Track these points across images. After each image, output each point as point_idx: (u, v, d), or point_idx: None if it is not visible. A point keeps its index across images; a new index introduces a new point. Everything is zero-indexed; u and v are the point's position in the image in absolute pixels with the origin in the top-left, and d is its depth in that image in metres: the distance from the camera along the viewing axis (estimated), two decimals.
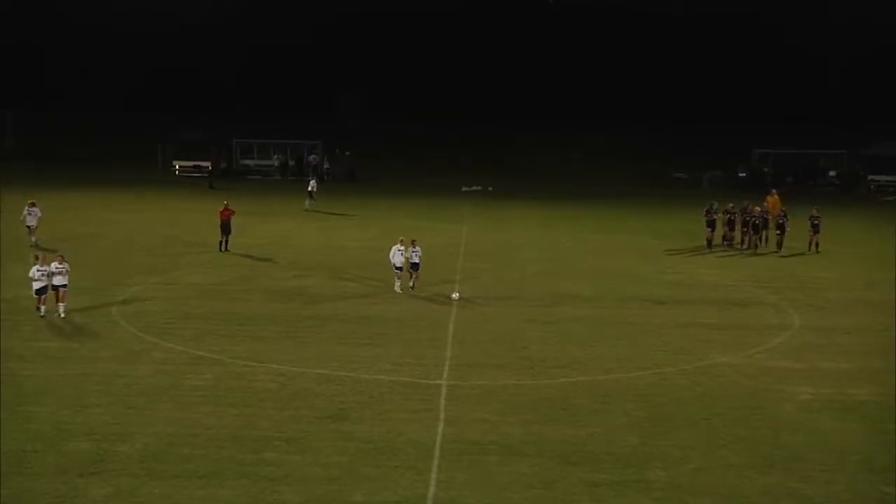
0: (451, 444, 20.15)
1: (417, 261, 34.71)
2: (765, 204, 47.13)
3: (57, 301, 29.78)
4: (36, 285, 29.63)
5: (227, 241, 42.32)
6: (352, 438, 20.38)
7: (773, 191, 50.13)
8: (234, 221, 42.67)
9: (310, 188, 58.88)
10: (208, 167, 74.94)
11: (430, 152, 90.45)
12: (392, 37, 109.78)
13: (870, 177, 74.53)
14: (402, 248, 34.56)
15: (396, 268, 34.53)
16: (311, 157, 77.84)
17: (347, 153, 78.19)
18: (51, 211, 51.05)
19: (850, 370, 26.23)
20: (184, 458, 19.17)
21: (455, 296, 33.27)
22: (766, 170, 76.83)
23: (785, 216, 44.94)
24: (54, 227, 46.05)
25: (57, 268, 29.87)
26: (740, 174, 77.60)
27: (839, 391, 24.41)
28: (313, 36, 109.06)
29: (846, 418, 22.36)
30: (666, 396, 23.63)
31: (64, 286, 29.91)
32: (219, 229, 42.48)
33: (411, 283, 34.67)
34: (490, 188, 71.57)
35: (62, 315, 29.54)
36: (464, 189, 70.90)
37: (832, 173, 77.65)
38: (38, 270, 29.62)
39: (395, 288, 34.41)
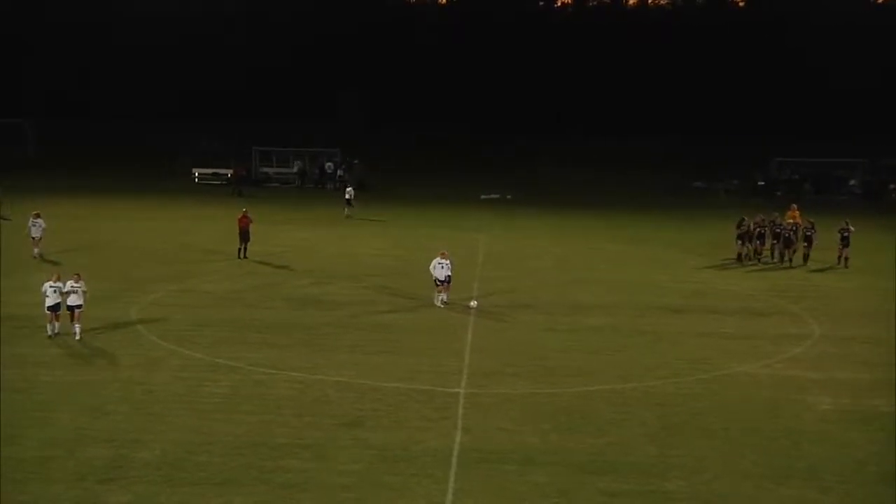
0: (469, 453, 20.15)
1: (449, 273, 33.94)
2: (793, 214, 45.95)
3: (72, 322, 28.11)
4: (47, 301, 28.00)
5: (245, 249, 42.50)
6: (369, 446, 20.42)
7: (794, 205, 48.37)
8: (252, 229, 42.85)
9: (347, 196, 59.11)
10: (227, 175, 75.56)
11: (449, 160, 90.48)
12: (403, 43, 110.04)
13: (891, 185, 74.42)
14: (444, 261, 33.62)
15: (440, 281, 33.65)
16: (327, 166, 78.33)
17: (356, 161, 78.47)
18: (69, 220, 51.59)
19: (868, 381, 26.09)
20: (201, 466, 19.25)
21: (473, 304, 33.23)
22: (796, 177, 76.51)
23: (813, 228, 43.70)
24: (72, 236, 46.45)
25: (73, 287, 28.10)
26: (759, 183, 77.43)
27: (858, 402, 24.28)
28: (318, 40, 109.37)
29: (864, 429, 22.24)
30: (684, 406, 23.58)
31: (79, 306, 28.10)
32: (237, 237, 42.67)
33: (446, 297, 33.88)
34: (509, 196, 71.58)
35: (77, 337, 27.89)
36: (482, 197, 70.95)
37: (852, 182, 77.30)
38: (50, 286, 27.98)
39: (437, 302, 33.66)
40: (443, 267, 33.59)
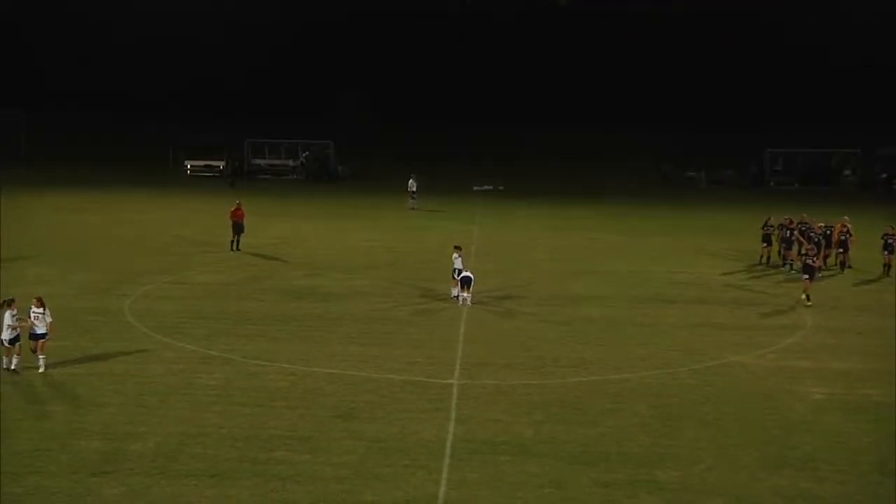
0: (462, 444, 20.13)
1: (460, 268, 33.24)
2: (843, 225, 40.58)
3: (34, 353, 24.40)
4: (8, 334, 24.06)
5: (238, 241, 42.44)
6: (362, 438, 20.38)
7: (845, 217, 41.26)
8: (245, 221, 42.80)
9: (410, 188, 58.96)
10: (219, 167, 75.66)
11: (440, 153, 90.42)
12: (397, 37, 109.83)
13: (883, 175, 74.63)
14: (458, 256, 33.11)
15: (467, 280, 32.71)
16: (304, 155, 78.89)
17: (307, 153, 78.84)
18: (61, 212, 51.44)
19: (862, 371, 26.11)
20: (195, 458, 19.20)
21: (466, 295, 33.13)
22: (885, 175, 75.79)
23: (849, 232, 39.94)
24: (64, 228, 46.36)
25: (34, 313, 24.31)
26: (752, 173, 77.69)
27: (852, 391, 24.30)
28: (316, 37, 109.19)
29: (859, 419, 22.26)
30: (677, 396, 23.58)
31: (44, 335, 24.38)
32: (230, 229, 42.61)
33: (466, 295, 32.76)
34: (501, 187, 71.64)
35: (41, 370, 24.24)
36: (475, 188, 70.97)
37: (847, 172, 77.43)
38: (11, 316, 24.08)
39: (459, 301, 32.72)
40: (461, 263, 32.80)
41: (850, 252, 40.21)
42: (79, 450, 19.46)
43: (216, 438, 20.19)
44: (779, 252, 41.10)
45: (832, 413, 22.66)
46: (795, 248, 39.99)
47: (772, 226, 41.46)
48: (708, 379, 25.06)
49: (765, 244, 41.35)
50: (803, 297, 33.93)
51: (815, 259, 34.95)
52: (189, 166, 77.59)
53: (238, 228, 42.51)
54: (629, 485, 18.36)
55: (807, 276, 34.20)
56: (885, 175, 74.63)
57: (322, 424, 21.15)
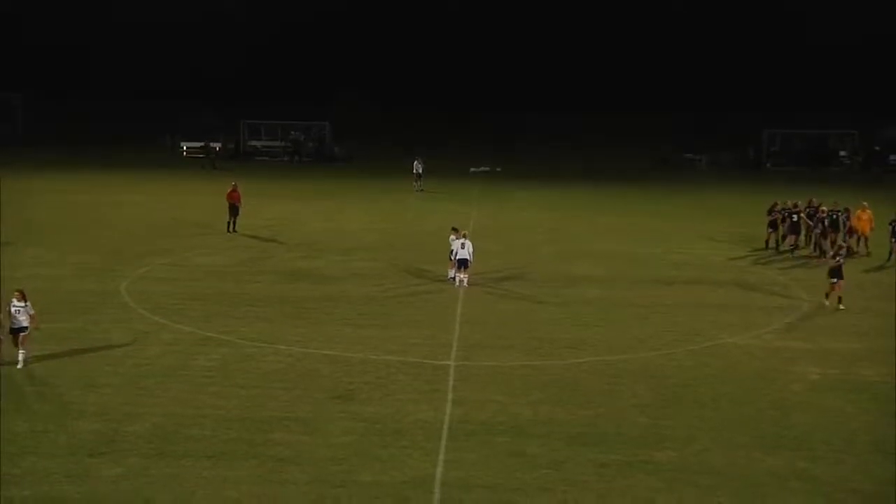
0: (460, 425, 20.15)
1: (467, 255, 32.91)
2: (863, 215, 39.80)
3: (17, 346, 23.46)
4: None
5: (234, 223, 42.43)
6: (360, 419, 20.40)
7: (865, 203, 40.20)
8: (241, 203, 42.77)
9: (416, 170, 58.77)
10: (212, 148, 75.66)
11: (439, 136, 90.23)
12: (396, 24, 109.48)
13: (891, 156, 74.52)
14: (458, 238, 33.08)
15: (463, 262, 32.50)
16: (290, 136, 78.85)
17: (293, 133, 78.78)
18: (59, 195, 51.32)
19: (859, 351, 26.15)
20: (193, 439, 19.22)
21: (463, 277, 33.11)
22: (825, 142, 75.56)
23: (847, 215, 39.49)
24: (64, 211, 46.27)
25: (15, 306, 23.39)
26: (751, 156, 77.66)
27: (848, 372, 24.33)
28: (315, 28, 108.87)
29: (855, 399, 22.28)
30: (674, 377, 23.61)
31: (24, 329, 23.40)
32: (227, 211, 42.57)
33: (463, 276, 32.68)
34: (498, 169, 71.53)
35: (20, 366, 23.20)
36: (472, 170, 70.85)
37: (843, 154, 77.31)
38: None
39: (456, 282, 32.71)
40: (463, 247, 32.69)
41: (849, 235, 39.44)
42: (76, 431, 19.47)
43: (213, 420, 20.21)
44: (783, 237, 40.87)
45: (829, 393, 22.70)
46: (803, 233, 40.22)
47: (778, 210, 40.89)
48: (705, 360, 25.09)
49: (770, 229, 40.91)
50: (835, 301, 30.67)
51: (842, 258, 31.55)
52: (185, 148, 77.47)
53: (234, 210, 42.49)
54: (626, 465, 18.39)
55: (834, 280, 30.69)
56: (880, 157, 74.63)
57: (319, 406, 21.17)
